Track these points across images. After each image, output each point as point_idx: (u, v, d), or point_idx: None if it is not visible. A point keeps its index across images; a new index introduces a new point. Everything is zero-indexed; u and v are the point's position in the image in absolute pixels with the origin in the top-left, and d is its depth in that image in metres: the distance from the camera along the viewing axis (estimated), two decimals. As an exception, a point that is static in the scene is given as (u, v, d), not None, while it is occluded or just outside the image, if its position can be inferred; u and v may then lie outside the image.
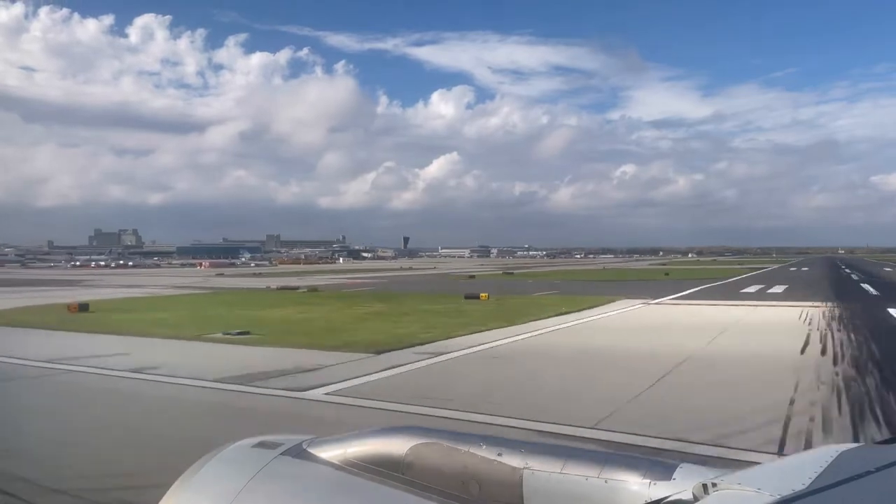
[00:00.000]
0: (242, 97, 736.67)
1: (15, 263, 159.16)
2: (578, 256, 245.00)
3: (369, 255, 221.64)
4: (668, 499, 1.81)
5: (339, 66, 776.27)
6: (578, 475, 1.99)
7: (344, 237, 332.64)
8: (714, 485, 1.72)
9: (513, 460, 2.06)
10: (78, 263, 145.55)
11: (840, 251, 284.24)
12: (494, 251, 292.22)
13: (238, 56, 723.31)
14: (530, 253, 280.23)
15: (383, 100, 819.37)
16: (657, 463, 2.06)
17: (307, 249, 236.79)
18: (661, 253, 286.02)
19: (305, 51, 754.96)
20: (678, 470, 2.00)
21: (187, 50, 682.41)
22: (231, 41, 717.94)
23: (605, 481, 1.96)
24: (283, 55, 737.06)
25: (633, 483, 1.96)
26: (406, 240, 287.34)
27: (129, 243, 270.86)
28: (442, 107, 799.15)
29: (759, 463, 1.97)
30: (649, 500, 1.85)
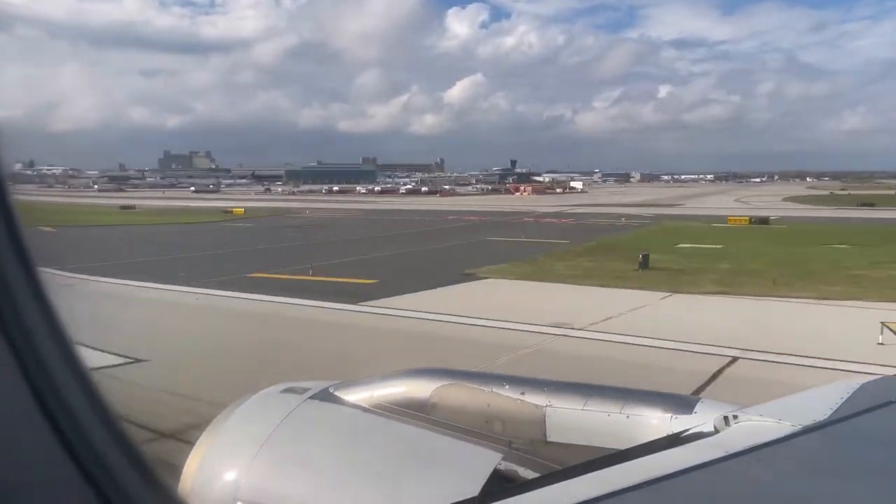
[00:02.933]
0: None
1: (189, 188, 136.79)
2: (762, 179, 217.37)
3: (542, 178, 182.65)
4: (690, 431, 1.87)
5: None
6: (601, 411, 2.08)
7: (442, 160, 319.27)
8: (735, 417, 1.76)
9: (536, 399, 2.15)
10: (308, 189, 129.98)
11: None
12: (637, 175, 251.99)
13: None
14: (695, 178, 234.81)
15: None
16: (678, 398, 2.11)
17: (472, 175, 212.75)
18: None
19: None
20: (699, 404, 2.05)
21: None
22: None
23: (627, 416, 2.04)
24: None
25: (654, 418, 2.02)
26: (513, 163, 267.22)
27: (206, 167, 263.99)
28: (457, 26, 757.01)
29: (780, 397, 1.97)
30: (671, 433, 1.92)
